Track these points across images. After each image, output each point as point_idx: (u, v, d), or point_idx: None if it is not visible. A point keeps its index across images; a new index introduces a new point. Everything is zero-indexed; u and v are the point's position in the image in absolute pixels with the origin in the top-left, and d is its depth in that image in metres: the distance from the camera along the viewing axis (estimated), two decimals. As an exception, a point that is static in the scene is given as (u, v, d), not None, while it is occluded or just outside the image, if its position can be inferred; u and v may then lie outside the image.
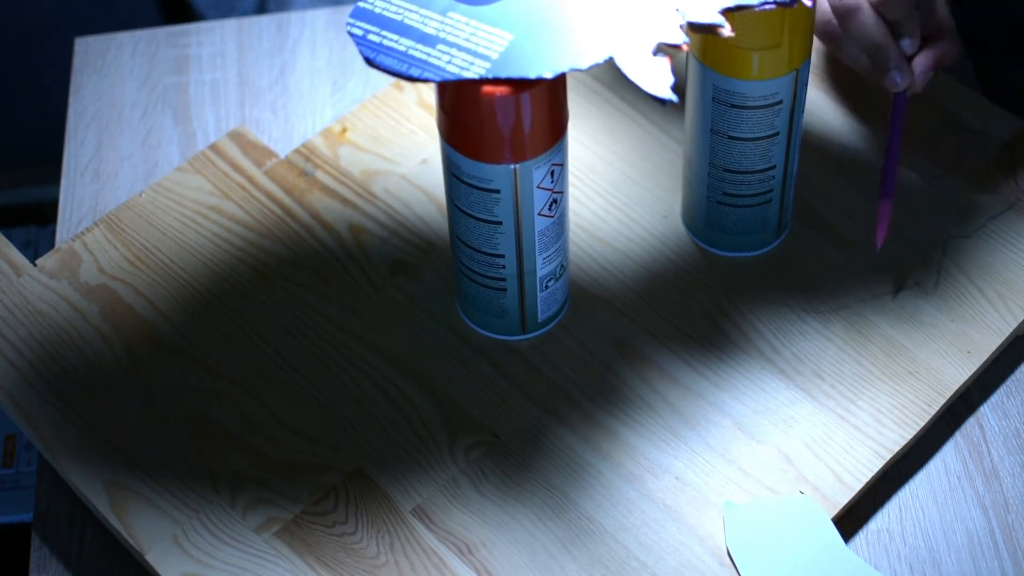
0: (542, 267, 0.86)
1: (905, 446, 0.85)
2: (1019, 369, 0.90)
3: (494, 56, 0.74)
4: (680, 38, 0.74)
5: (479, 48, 0.74)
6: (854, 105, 1.00)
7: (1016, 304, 0.90)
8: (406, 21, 0.76)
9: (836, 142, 0.98)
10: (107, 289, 0.92)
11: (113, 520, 0.82)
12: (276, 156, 0.98)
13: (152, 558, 0.80)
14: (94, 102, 1.06)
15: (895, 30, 0.88)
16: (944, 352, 0.88)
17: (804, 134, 0.97)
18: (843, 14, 0.87)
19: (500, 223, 0.82)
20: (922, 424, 0.85)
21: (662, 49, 0.74)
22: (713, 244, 0.93)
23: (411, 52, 0.74)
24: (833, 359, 0.88)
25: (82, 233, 0.95)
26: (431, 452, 0.85)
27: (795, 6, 0.78)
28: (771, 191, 0.89)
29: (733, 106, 0.84)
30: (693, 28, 0.75)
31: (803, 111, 0.87)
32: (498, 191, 0.80)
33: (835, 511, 0.82)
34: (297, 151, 0.98)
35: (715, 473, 0.83)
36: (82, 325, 0.90)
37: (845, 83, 1.01)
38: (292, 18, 1.11)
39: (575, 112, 0.99)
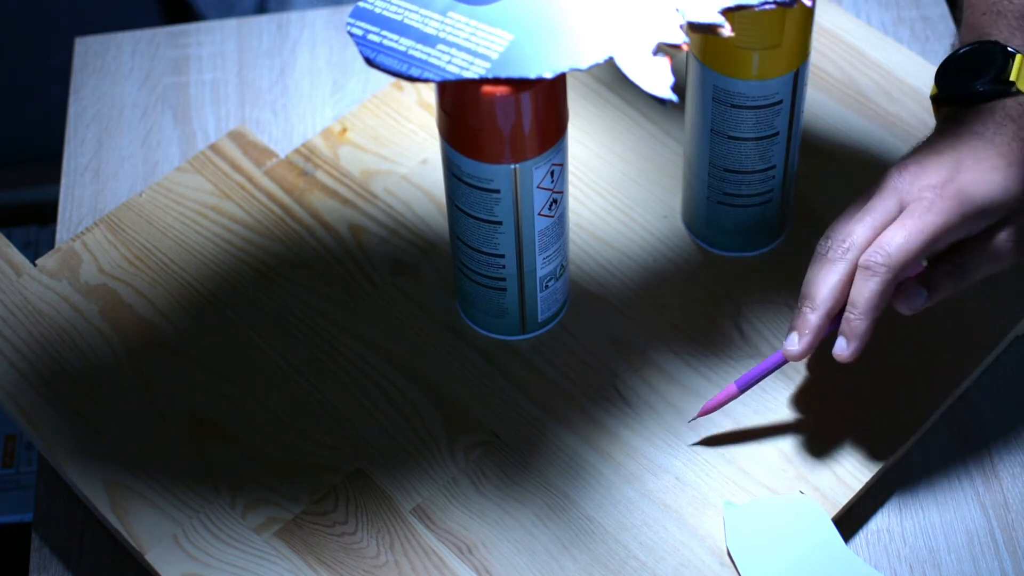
0: (542, 267, 0.86)
1: (905, 446, 0.85)
2: (1019, 369, 0.90)
3: (494, 56, 0.74)
4: (680, 38, 0.74)
5: (479, 48, 0.74)
6: (854, 105, 1.00)
7: (1016, 304, 0.90)
8: (406, 21, 0.76)
9: (836, 142, 0.98)
10: (107, 289, 0.92)
11: (113, 520, 0.82)
12: (276, 156, 0.98)
13: (152, 558, 0.80)
14: (94, 102, 1.06)
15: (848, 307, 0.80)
16: (944, 352, 0.88)
17: (804, 134, 0.97)
18: (826, 252, 0.81)
19: (500, 223, 0.82)
20: (922, 424, 0.85)
21: (662, 49, 0.74)
22: (713, 244, 0.93)
23: (411, 52, 0.74)
24: (833, 359, 0.88)
25: (82, 233, 0.95)
26: (431, 452, 0.85)
27: (795, 6, 0.78)
28: (771, 191, 0.89)
29: (733, 106, 0.84)
30: (693, 28, 0.75)
31: (803, 111, 0.87)
32: (498, 191, 0.80)
33: (835, 511, 0.82)
34: (297, 151, 0.98)
35: (715, 473, 0.83)
36: (82, 325, 0.90)
37: (845, 83, 1.01)
38: (292, 18, 1.11)
39: (575, 112, 0.99)
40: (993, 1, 0.87)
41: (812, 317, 0.80)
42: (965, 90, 0.83)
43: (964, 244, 0.81)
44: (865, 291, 0.79)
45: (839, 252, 0.80)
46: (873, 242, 0.79)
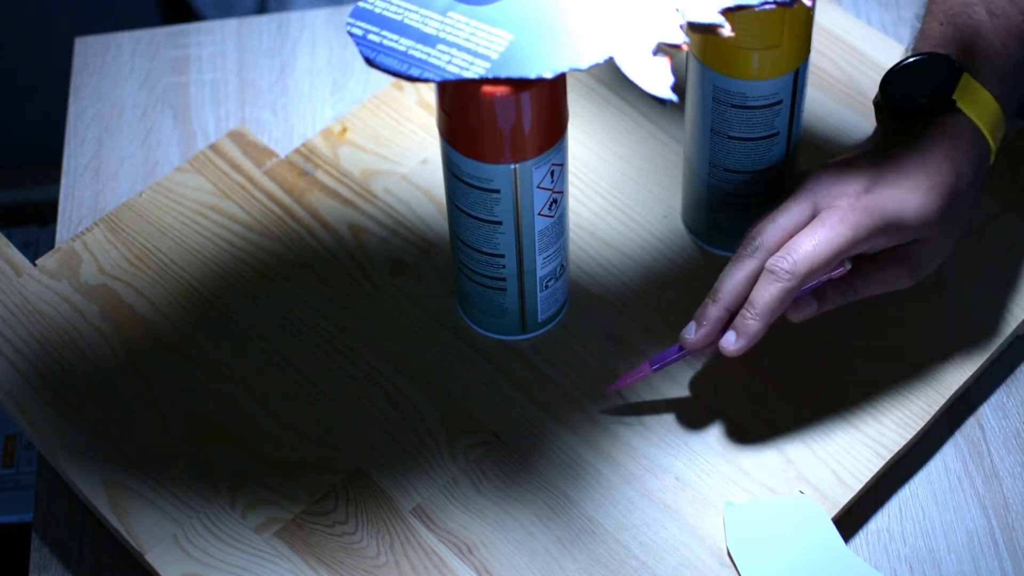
0: (542, 267, 0.85)
1: (905, 446, 0.85)
2: (1019, 369, 0.90)
3: (494, 56, 0.74)
4: (680, 38, 0.74)
5: (479, 48, 0.74)
6: (854, 105, 1.00)
7: (1016, 304, 0.90)
8: (406, 21, 0.76)
9: (836, 142, 0.98)
10: (107, 289, 0.92)
11: (113, 520, 0.82)
12: (276, 156, 0.98)
13: (152, 558, 0.80)
14: (94, 102, 1.06)
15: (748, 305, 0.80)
16: (944, 352, 0.88)
17: (804, 134, 0.97)
18: (740, 248, 0.82)
19: (500, 223, 0.82)
20: (922, 424, 0.85)
21: (662, 49, 0.74)
22: (713, 244, 0.93)
23: (411, 52, 0.74)
24: (833, 358, 0.88)
25: (82, 233, 0.95)
26: (431, 452, 0.85)
27: (795, 6, 0.78)
28: (771, 191, 0.89)
29: (733, 106, 0.84)
30: (693, 28, 0.75)
31: (803, 111, 0.87)
32: (498, 191, 0.80)
33: (835, 511, 0.82)
34: (297, 151, 0.98)
35: (715, 473, 0.83)
36: (82, 325, 0.90)
37: (845, 83, 1.01)
38: (292, 18, 1.11)
39: (575, 112, 0.99)
40: (953, 13, 0.86)
41: (712, 309, 0.81)
42: (908, 101, 0.83)
43: (862, 259, 0.82)
44: (765, 294, 0.79)
45: (748, 250, 0.81)
46: (783, 245, 0.80)
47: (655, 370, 0.84)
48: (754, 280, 0.80)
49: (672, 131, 0.99)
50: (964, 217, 0.84)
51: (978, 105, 0.83)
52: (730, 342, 0.80)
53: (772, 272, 0.79)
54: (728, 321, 0.81)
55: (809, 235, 0.79)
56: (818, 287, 0.82)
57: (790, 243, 0.80)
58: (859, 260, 0.83)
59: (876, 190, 0.80)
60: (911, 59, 0.85)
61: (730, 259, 0.82)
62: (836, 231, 0.79)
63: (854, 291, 0.83)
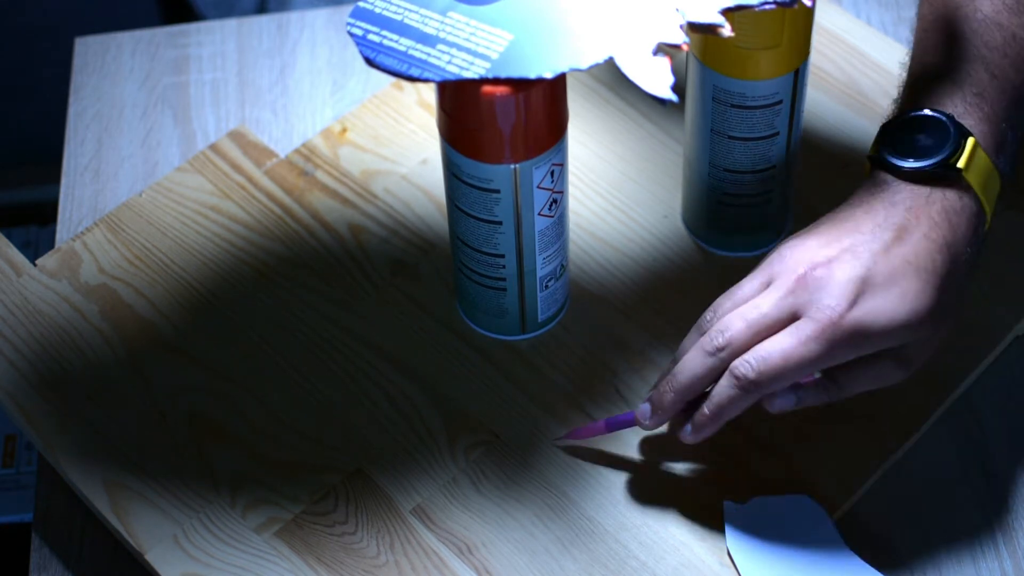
0: (542, 267, 0.85)
1: (905, 446, 0.85)
2: (1019, 369, 0.90)
3: (494, 56, 0.74)
4: (680, 38, 0.74)
5: (479, 48, 0.74)
6: (854, 105, 1.00)
7: (1016, 304, 0.89)
8: (406, 21, 0.76)
9: (836, 142, 0.98)
10: (107, 289, 0.92)
11: (113, 520, 0.82)
12: (276, 156, 0.98)
13: (152, 558, 0.80)
14: (94, 102, 1.06)
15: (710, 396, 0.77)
16: (944, 352, 0.88)
17: (804, 134, 0.97)
18: (704, 333, 0.77)
19: (500, 223, 0.82)
20: (922, 424, 0.85)
21: (662, 49, 0.74)
22: (713, 244, 0.93)
23: (411, 52, 0.74)
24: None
25: (82, 233, 0.95)
26: (431, 452, 0.85)
27: (795, 6, 0.78)
28: (771, 191, 0.89)
29: (733, 106, 0.84)
30: (693, 28, 0.75)
31: (803, 111, 0.87)
32: (498, 191, 0.80)
33: (835, 511, 0.82)
34: (297, 151, 0.98)
35: (715, 473, 0.83)
36: (82, 325, 0.90)
37: (845, 83, 1.01)
38: (292, 18, 1.11)
39: (575, 112, 0.99)
40: (944, 53, 0.80)
41: (668, 398, 0.78)
42: (907, 166, 0.77)
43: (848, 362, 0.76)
44: (724, 396, 0.76)
45: (714, 346, 0.76)
46: (751, 348, 0.75)
47: (609, 431, 0.82)
48: (715, 377, 0.76)
49: (672, 131, 0.99)
50: (959, 305, 0.78)
51: (980, 173, 0.77)
52: (686, 433, 0.78)
53: (735, 376, 0.75)
54: (683, 407, 0.78)
55: (780, 344, 0.74)
56: (799, 384, 0.78)
57: (759, 349, 0.74)
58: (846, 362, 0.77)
59: (862, 302, 0.74)
60: (911, 114, 0.79)
61: (690, 337, 0.78)
62: (810, 348, 0.74)
63: (838, 389, 0.78)
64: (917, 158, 0.77)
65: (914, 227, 0.76)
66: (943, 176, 0.77)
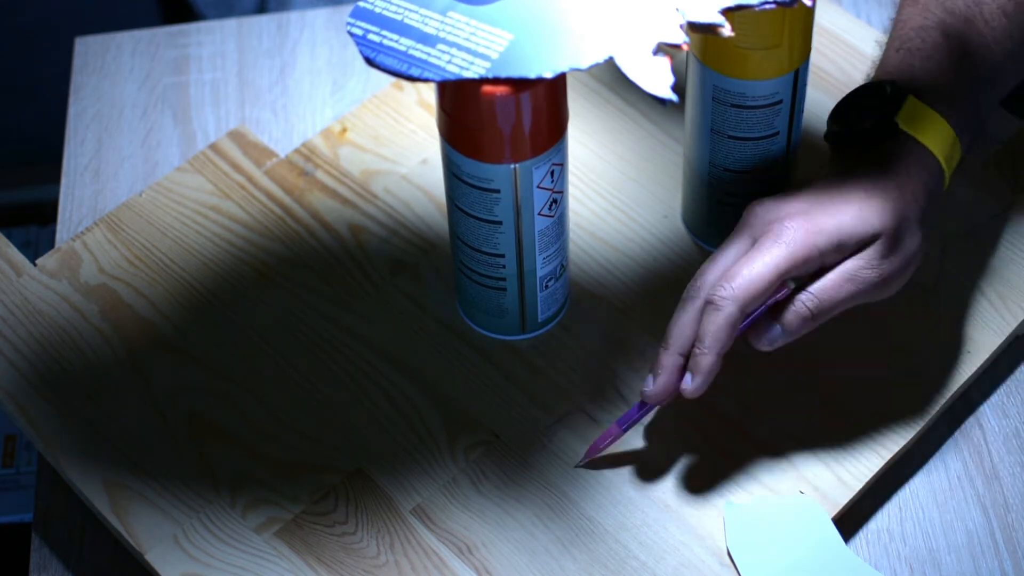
0: (542, 267, 0.86)
1: (905, 446, 0.85)
2: (1019, 369, 0.90)
3: (494, 56, 0.74)
4: (680, 38, 0.74)
5: (479, 48, 0.74)
6: (854, 105, 1.00)
7: (1016, 304, 0.90)
8: (406, 21, 0.76)
9: (836, 142, 0.98)
10: (107, 289, 0.92)
11: (113, 520, 0.82)
12: (276, 156, 0.98)
13: (152, 558, 0.80)
14: (94, 102, 1.06)
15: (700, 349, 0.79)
16: (944, 352, 0.88)
17: (804, 134, 0.97)
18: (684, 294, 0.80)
19: (500, 223, 0.82)
20: (922, 424, 0.85)
21: (662, 49, 0.74)
22: (713, 244, 0.93)
23: (411, 52, 0.74)
24: (833, 358, 0.88)
25: (82, 233, 0.95)
26: (431, 452, 0.85)
27: (795, 6, 0.78)
28: (771, 191, 0.89)
29: (733, 106, 0.84)
30: (693, 28, 0.75)
31: (803, 111, 0.87)
32: (498, 191, 0.80)
33: (835, 511, 0.82)
34: (297, 151, 0.98)
35: (715, 473, 0.83)
36: (82, 325, 0.90)
37: (845, 83, 1.01)
38: (292, 18, 1.11)
39: (575, 112, 0.99)
40: (907, 38, 0.86)
41: (664, 357, 0.79)
42: (852, 128, 0.82)
43: (820, 274, 0.80)
44: (710, 326, 0.78)
45: (691, 292, 0.79)
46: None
47: (624, 430, 0.82)
48: (699, 319, 0.79)
49: (672, 131, 0.99)
50: (923, 235, 0.81)
51: (928, 128, 0.81)
52: (687, 382, 0.79)
53: (712, 303, 0.78)
54: (682, 364, 0.80)
55: (746, 261, 0.78)
56: (779, 309, 0.79)
57: (727, 272, 0.78)
58: (819, 275, 0.80)
59: (812, 210, 0.79)
60: (858, 87, 0.84)
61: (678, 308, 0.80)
62: (772, 252, 0.78)
63: (817, 302, 0.79)
64: (860, 121, 0.83)
65: (854, 166, 0.82)
66: (888, 132, 0.82)
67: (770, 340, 0.80)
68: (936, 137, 0.82)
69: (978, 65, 0.84)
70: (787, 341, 0.80)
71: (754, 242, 0.80)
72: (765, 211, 0.80)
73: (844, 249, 0.79)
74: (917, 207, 0.81)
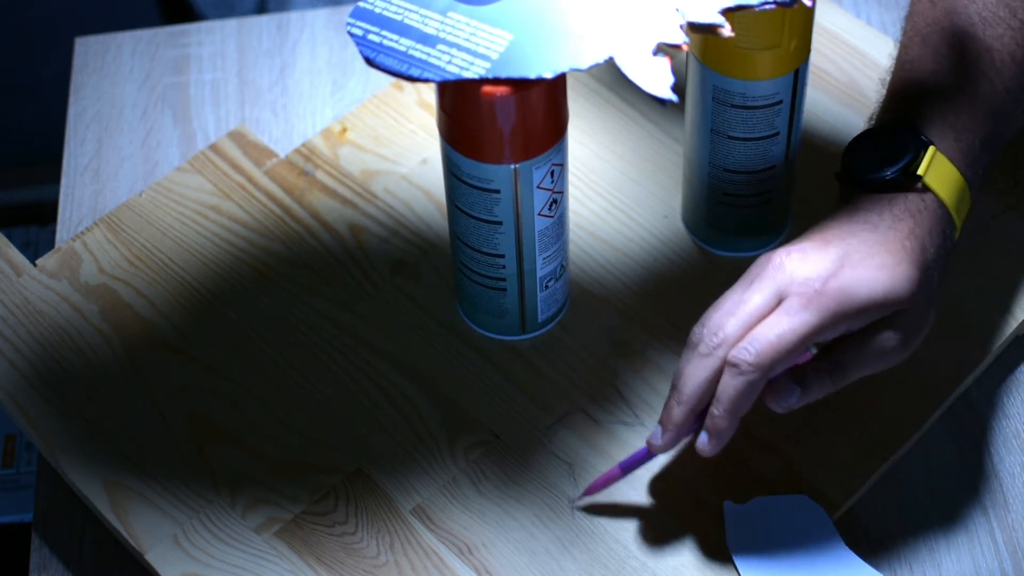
0: (542, 267, 0.86)
1: (905, 446, 0.85)
2: (1019, 369, 0.90)
3: (494, 56, 0.74)
4: (680, 38, 0.74)
5: (479, 48, 0.74)
6: (854, 105, 1.00)
7: (1016, 304, 0.90)
8: (406, 21, 0.76)
9: (836, 142, 0.98)
10: (107, 289, 0.92)
11: (113, 520, 0.82)
12: (276, 156, 0.98)
13: (152, 558, 0.80)
14: (94, 102, 1.06)
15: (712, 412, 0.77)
16: (944, 352, 0.88)
17: (804, 134, 0.97)
18: (698, 344, 0.77)
19: (500, 223, 0.82)
20: (922, 424, 0.85)
21: (662, 49, 0.74)
22: (713, 244, 0.93)
23: (411, 52, 0.74)
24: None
25: (82, 233, 0.95)
26: (431, 452, 0.85)
27: (795, 6, 0.78)
28: (771, 191, 0.89)
29: (733, 106, 0.84)
30: (693, 28, 0.75)
31: (803, 111, 0.87)
32: (498, 191, 0.80)
33: (835, 511, 0.82)
34: (297, 151, 0.98)
35: (715, 473, 0.83)
36: (82, 325, 0.90)
37: (845, 83, 1.01)
38: (292, 18, 1.11)
39: (575, 112, 0.99)
40: (919, 70, 0.83)
41: (677, 412, 0.77)
42: (870, 176, 0.80)
43: (844, 341, 0.78)
44: (730, 389, 0.76)
45: (710, 347, 0.76)
46: (744, 337, 0.76)
47: (625, 474, 0.81)
48: (717, 378, 0.76)
49: (672, 131, 0.99)
50: (936, 292, 0.80)
51: (943, 180, 0.79)
52: (703, 443, 0.77)
53: (735, 365, 0.75)
54: (693, 420, 0.78)
55: (772, 324, 0.75)
56: (800, 372, 0.78)
57: (752, 334, 0.75)
58: (842, 342, 0.78)
59: (842, 273, 0.76)
60: (876, 127, 0.82)
61: (685, 354, 0.78)
62: (801, 319, 0.75)
63: (839, 370, 0.78)
64: (879, 170, 0.79)
65: (879, 221, 0.78)
66: (904, 183, 0.79)
67: (787, 404, 0.78)
68: (952, 190, 0.79)
69: (991, 116, 0.82)
70: (803, 404, 0.78)
71: (780, 298, 0.76)
72: (796, 267, 0.76)
73: (871, 316, 0.77)
74: (938, 269, 0.79)
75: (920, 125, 0.81)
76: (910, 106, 0.82)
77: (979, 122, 0.81)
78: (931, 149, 0.79)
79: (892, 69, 0.86)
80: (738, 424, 0.77)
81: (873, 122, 0.84)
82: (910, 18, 0.87)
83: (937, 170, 0.79)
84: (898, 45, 0.87)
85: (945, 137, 0.80)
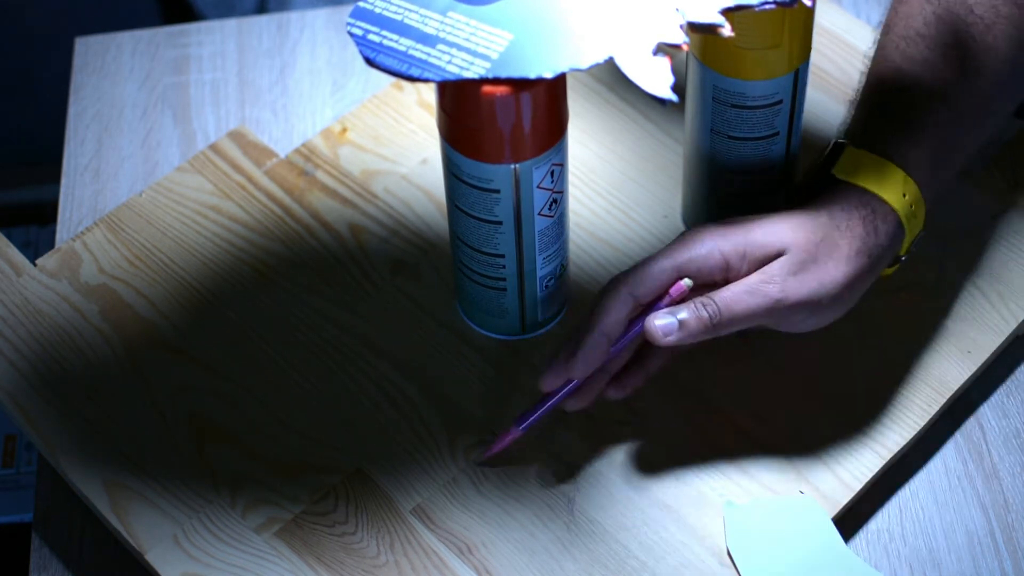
0: (542, 267, 0.86)
1: (905, 446, 0.85)
2: (1019, 369, 0.90)
3: (494, 56, 0.74)
4: (680, 38, 0.74)
5: (479, 48, 0.74)
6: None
7: (1016, 304, 0.90)
8: (406, 21, 0.76)
9: (836, 142, 0.98)
10: (107, 289, 0.92)
11: (113, 520, 0.82)
12: (276, 156, 0.98)
13: (152, 558, 0.80)
14: (94, 102, 1.06)
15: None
16: (944, 352, 0.88)
17: (804, 134, 0.97)
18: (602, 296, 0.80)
19: (500, 223, 0.82)
20: (922, 424, 0.85)
21: (662, 49, 0.74)
22: (713, 244, 0.93)
23: (411, 52, 0.74)
24: (833, 358, 0.88)
25: (82, 233, 0.95)
26: (431, 452, 0.85)
27: (795, 6, 0.78)
28: (771, 191, 0.89)
29: (733, 106, 0.84)
30: (693, 28, 0.75)
31: (803, 111, 0.87)
32: (498, 191, 0.80)
33: (835, 511, 0.82)
34: (297, 151, 0.98)
35: (715, 473, 0.83)
36: (82, 325, 0.90)
37: (845, 83, 1.01)
38: (292, 18, 1.11)
39: (575, 112, 0.99)
40: (883, 80, 0.85)
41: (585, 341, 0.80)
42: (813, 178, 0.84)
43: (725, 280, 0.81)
44: (599, 303, 0.79)
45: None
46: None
47: (523, 430, 0.82)
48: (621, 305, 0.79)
49: (672, 131, 0.99)
50: (859, 268, 0.81)
51: (870, 174, 0.81)
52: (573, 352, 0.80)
53: (605, 289, 0.80)
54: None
55: (647, 258, 0.80)
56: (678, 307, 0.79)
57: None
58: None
59: (728, 224, 0.80)
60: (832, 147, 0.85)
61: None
62: (671, 247, 0.80)
63: (717, 311, 0.79)
64: (821, 172, 0.83)
65: (809, 199, 0.82)
66: (826, 182, 0.82)
67: (665, 330, 0.78)
68: (881, 182, 0.81)
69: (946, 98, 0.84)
70: (684, 340, 0.78)
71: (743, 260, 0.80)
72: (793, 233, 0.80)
73: (748, 258, 0.79)
74: (851, 238, 0.80)
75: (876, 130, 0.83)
76: (866, 116, 0.85)
77: (946, 123, 0.83)
78: (848, 149, 0.82)
79: (867, 72, 0.88)
80: (603, 343, 0.79)
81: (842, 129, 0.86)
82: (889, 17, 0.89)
83: (861, 167, 0.82)
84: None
85: (881, 132, 0.83)
